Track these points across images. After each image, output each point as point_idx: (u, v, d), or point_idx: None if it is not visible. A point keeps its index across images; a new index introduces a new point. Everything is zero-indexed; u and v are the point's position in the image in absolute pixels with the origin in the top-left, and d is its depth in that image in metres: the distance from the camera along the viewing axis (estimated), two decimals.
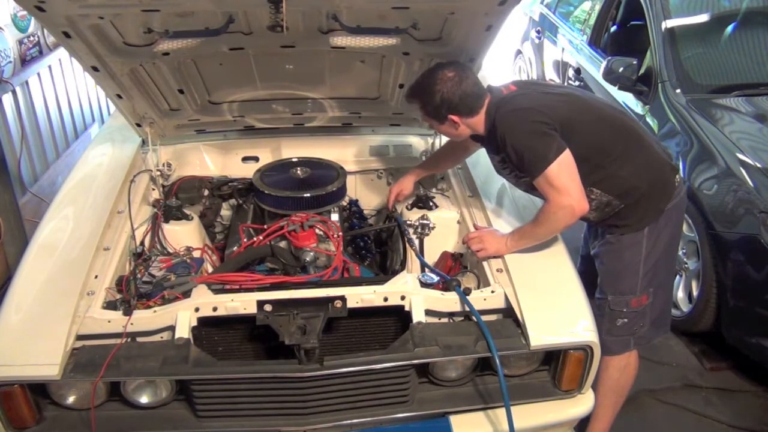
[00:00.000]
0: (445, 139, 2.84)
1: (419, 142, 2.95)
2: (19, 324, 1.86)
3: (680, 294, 3.28)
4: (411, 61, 2.38)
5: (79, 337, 1.84)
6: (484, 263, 2.14)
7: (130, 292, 1.95)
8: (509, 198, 2.47)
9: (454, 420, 1.91)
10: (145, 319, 1.87)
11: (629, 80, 3.78)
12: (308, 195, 2.53)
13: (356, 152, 2.91)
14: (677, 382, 3.00)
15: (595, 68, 4.40)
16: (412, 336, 1.85)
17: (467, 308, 1.93)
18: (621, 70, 3.76)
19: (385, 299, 1.92)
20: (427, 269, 2.23)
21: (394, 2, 1.96)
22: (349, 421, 1.87)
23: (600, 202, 2.16)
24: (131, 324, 1.84)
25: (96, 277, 2.03)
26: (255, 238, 2.34)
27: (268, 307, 1.86)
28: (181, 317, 1.85)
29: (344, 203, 2.75)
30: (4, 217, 3.37)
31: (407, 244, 2.40)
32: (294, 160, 2.79)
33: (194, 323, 1.87)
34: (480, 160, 2.70)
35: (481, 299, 1.97)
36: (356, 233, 2.62)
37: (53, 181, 4.22)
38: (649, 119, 3.64)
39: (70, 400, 1.83)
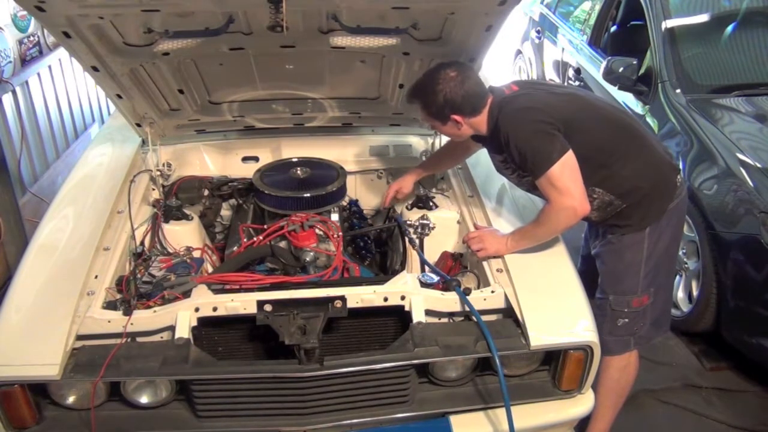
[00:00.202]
0: (445, 140, 2.84)
1: (419, 142, 2.95)
2: (19, 324, 1.86)
3: (680, 294, 3.28)
4: (411, 61, 2.38)
5: (79, 337, 1.84)
6: (484, 263, 2.14)
7: (130, 292, 1.95)
8: (509, 198, 2.47)
9: (454, 420, 1.91)
10: (145, 319, 1.87)
11: (629, 80, 3.78)
12: (308, 195, 2.53)
13: (356, 152, 2.91)
14: (677, 382, 3.00)
15: (595, 68, 4.40)
16: (412, 336, 1.85)
17: (467, 308, 1.93)
18: (621, 70, 3.77)
19: (385, 299, 1.92)
20: (427, 269, 2.23)
21: (394, 2, 1.96)
22: (349, 421, 1.87)
23: (602, 202, 2.16)
24: (131, 324, 1.84)
25: (96, 277, 2.03)
26: (255, 238, 2.34)
27: (268, 307, 1.86)
28: (181, 317, 1.85)
29: (344, 203, 2.75)
30: (4, 217, 3.37)
31: (408, 243, 2.40)
32: (294, 160, 2.79)
33: (194, 323, 1.87)
34: (480, 160, 2.70)
35: (481, 299, 1.97)
36: (356, 233, 2.61)
37: (53, 181, 4.22)
38: (649, 119, 3.64)
39: (70, 400, 1.83)
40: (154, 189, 2.65)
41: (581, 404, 2.01)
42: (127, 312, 1.87)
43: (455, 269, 2.32)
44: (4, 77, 3.85)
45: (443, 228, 2.48)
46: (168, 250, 2.35)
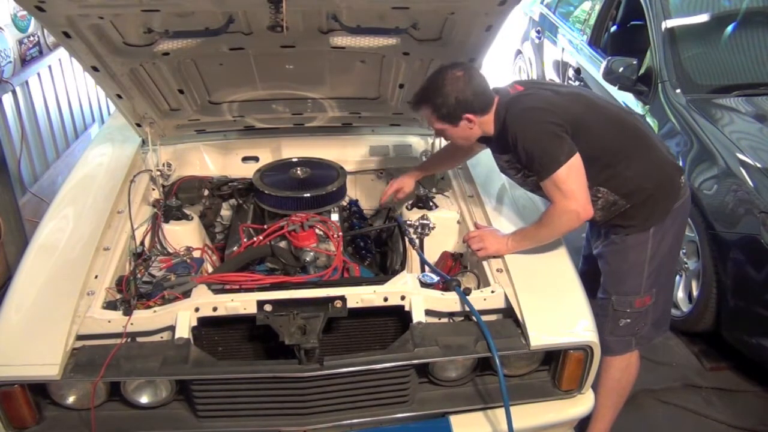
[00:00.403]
0: (445, 140, 2.84)
1: (419, 142, 2.95)
2: (19, 324, 1.86)
3: (680, 294, 3.28)
4: (411, 61, 2.38)
5: (79, 337, 1.84)
6: (484, 263, 2.14)
7: (130, 292, 1.95)
8: (509, 198, 2.47)
9: (454, 420, 1.91)
10: (145, 319, 1.87)
11: (629, 80, 3.78)
12: (308, 195, 2.53)
13: (356, 152, 2.91)
14: (677, 382, 3.00)
15: (595, 68, 4.40)
16: (412, 336, 1.85)
17: (467, 308, 1.93)
18: (621, 70, 3.77)
19: (385, 299, 1.92)
20: (427, 269, 2.23)
21: (394, 2, 1.96)
22: (349, 421, 1.87)
23: (606, 201, 2.16)
24: (131, 324, 1.84)
25: (96, 277, 2.03)
26: (255, 238, 2.34)
27: (268, 307, 1.86)
28: (181, 317, 1.85)
29: (344, 203, 2.75)
30: (4, 217, 3.37)
31: (408, 243, 2.40)
32: (294, 160, 2.79)
33: (194, 323, 1.87)
34: (480, 160, 2.70)
35: (481, 299, 1.97)
36: (356, 233, 2.61)
37: (53, 181, 4.22)
38: (649, 119, 3.64)
39: (70, 400, 1.83)
40: (154, 189, 2.64)
41: (581, 404, 2.01)
42: (127, 312, 1.87)
43: (455, 269, 2.32)
44: (4, 77, 3.85)
45: (443, 228, 2.48)
46: (168, 250, 2.35)
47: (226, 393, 1.82)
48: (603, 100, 2.33)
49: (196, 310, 1.87)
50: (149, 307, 1.92)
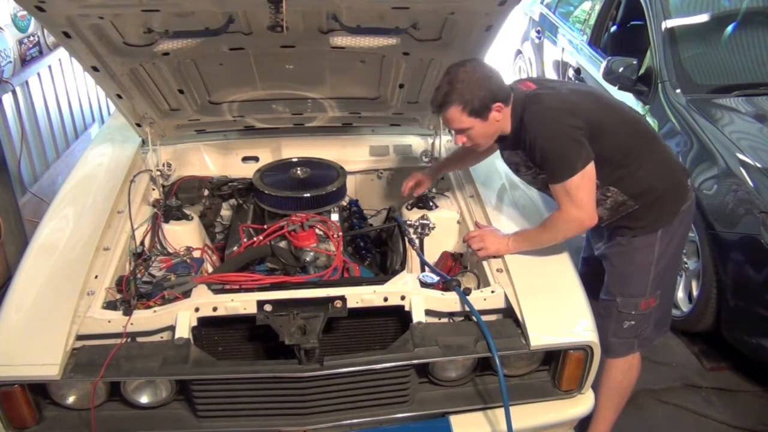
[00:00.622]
0: (444, 140, 2.84)
1: (419, 142, 2.95)
2: (19, 324, 1.86)
3: (680, 294, 3.28)
4: (411, 61, 2.38)
5: (79, 337, 1.84)
6: (484, 263, 2.14)
7: (130, 292, 1.95)
8: (509, 198, 2.47)
9: (454, 420, 1.91)
10: (145, 319, 1.87)
11: (629, 80, 3.78)
12: (308, 195, 2.53)
13: (356, 152, 2.91)
14: (677, 382, 3.00)
15: (595, 68, 4.40)
16: (412, 336, 1.85)
17: (467, 308, 1.93)
18: (621, 70, 3.77)
19: (385, 299, 1.92)
20: (427, 269, 2.23)
21: (394, 2, 1.96)
22: (349, 421, 1.87)
23: (615, 202, 2.14)
24: (131, 324, 1.84)
25: (96, 277, 2.03)
26: (255, 238, 2.34)
27: (268, 307, 1.86)
28: (181, 317, 1.85)
29: (344, 203, 2.75)
30: (4, 217, 3.37)
31: (408, 244, 2.40)
32: (294, 160, 2.79)
33: (194, 323, 1.87)
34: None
35: (481, 299, 1.97)
36: (356, 233, 2.61)
37: (53, 181, 4.22)
38: (649, 119, 3.64)
39: (70, 400, 1.83)
40: (154, 189, 2.65)
41: (581, 404, 2.01)
42: (127, 312, 1.87)
43: (455, 269, 2.32)
44: (4, 77, 3.85)
45: (443, 228, 2.48)
46: (168, 250, 2.35)
47: (226, 393, 1.82)
48: (617, 100, 2.31)
49: (196, 310, 1.87)
50: (149, 307, 1.92)
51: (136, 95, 2.42)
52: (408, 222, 2.47)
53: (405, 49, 2.30)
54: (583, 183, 1.97)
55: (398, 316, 1.97)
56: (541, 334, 1.88)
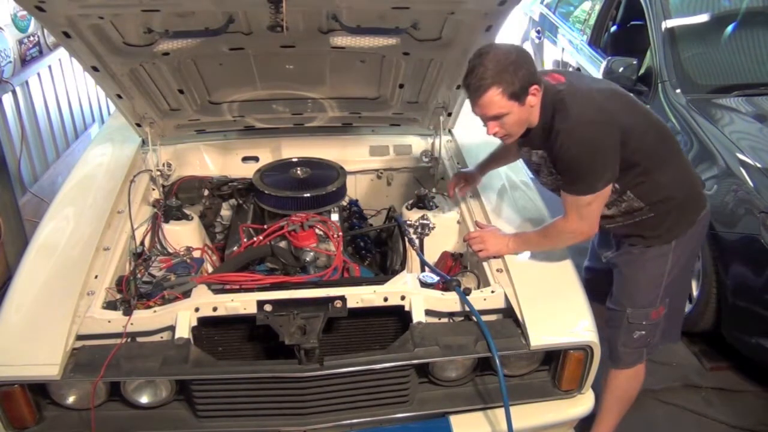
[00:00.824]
0: (444, 140, 2.84)
1: (419, 142, 2.95)
2: (19, 324, 1.86)
3: None
4: (411, 61, 2.38)
5: (79, 337, 1.84)
6: (484, 263, 2.14)
7: (130, 292, 1.95)
8: (509, 198, 2.47)
9: (454, 420, 1.91)
10: (145, 319, 1.87)
11: (629, 80, 3.77)
12: (308, 195, 2.53)
13: (356, 152, 2.91)
14: (677, 382, 3.00)
15: (595, 68, 4.40)
16: (412, 336, 1.85)
17: (467, 308, 1.93)
18: (621, 70, 3.76)
19: (385, 299, 1.92)
20: (427, 269, 2.23)
21: (394, 2, 1.96)
22: (349, 421, 1.87)
23: (630, 207, 2.09)
24: (131, 324, 1.84)
25: (96, 277, 2.03)
26: (255, 238, 2.34)
27: (268, 307, 1.86)
28: (181, 317, 1.85)
29: (344, 203, 2.75)
30: (4, 217, 3.37)
31: (408, 244, 2.39)
32: (294, 160, 2.79)
33: (194, 323, 1.87)
34: (480, 160, 2.70)
35: (481, 299, 1.97)
36: (356, 233, 2.61)
37: (53, 181, 4.22)
38: None
39: (70, 400, 1.83)
40: (154, 189, 2.65)
41: (581, 404, 2.01)
42: (127, 312, 1.87)
43: (455, 269, 2.32)
44: (4, 77, 3.85)
45: (443, 228, 2.48)
46: (168, 250, 2.35)
47: (226, 393, 1.82)
48: (637, 100, 2.21)
49: (196, 310, 1.87)
50: (149, 307, 1.92)
51: (136, 95, 2.42)
52: (408, 222, 2.47)
53: (405, 49, 2.30)
54: (596, 201, 1.96)
55: (398, 316, 1.97)
56: (541, 334, 1.88)
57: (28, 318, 1.88)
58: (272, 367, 1.81)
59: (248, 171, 2.75)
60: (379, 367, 1.82)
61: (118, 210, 2.36)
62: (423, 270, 2.28)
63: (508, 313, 1.97)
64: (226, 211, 2.84)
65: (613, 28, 4.72)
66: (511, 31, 6.36)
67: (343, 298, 1.88)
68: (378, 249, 2.74)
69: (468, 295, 1.95)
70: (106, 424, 1.82)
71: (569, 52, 5.03)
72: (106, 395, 1.84)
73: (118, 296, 1.99)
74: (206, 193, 2.75)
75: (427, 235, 2.45)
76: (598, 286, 2.37)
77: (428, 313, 1.94)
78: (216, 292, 1.94)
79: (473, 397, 1.95)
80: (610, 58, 3.87)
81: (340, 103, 2.75)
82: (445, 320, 2.00)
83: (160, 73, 2.36)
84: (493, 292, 2.00)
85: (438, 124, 2.75)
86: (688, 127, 3.33)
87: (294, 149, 2.85)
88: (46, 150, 4.36)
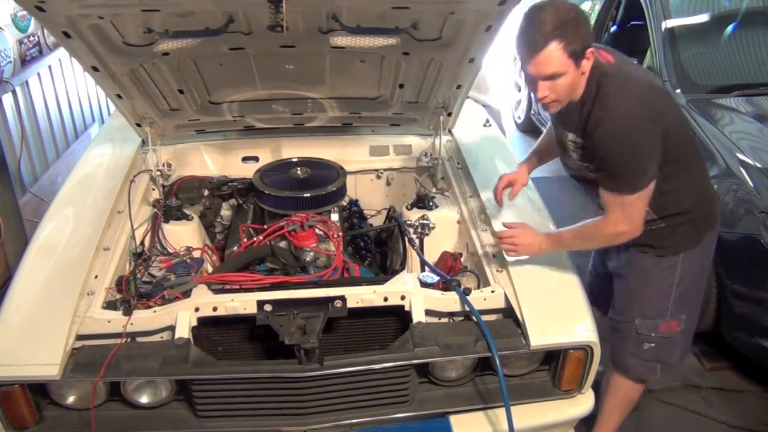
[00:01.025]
0: (444, 140, 2.84)
1: (419, 142, 2.95)
2: (19, 324, 1.86)
3: None
4: (411, 61, 2.38)
5: (79, 337, 1.84)
6: (484, 263, 2.14)
7: (130, 292, 1.95)
8: (509, 198, 2.47)
9: (454, 420, 1.91)
10: (145, 319, 1.87)
11: None
12: (308, 195, 2.53)
13: (356, 152, 2.91)
14: (677, 382, 3.00)
15: None
16: (412, 336, 1.85)
17: (467, 308, 1.93)
18: None
19: (385, 299, 1.92)
20: (427, 269, 2.23)
21: (394, 2, 1.96)
22: (349, 421, 1.87)
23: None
24: (131, 324, 1.84)
25: (96, 277, 2.03)
26: (255, 238, 2.34)
27: (268, 307, 1.86)
28: (181, 317, 1.85)
29: (344, 203, 2.75)
30: (4, 217, 3.37)
31: (408, 244, 2.39)
32: (294, 160, 2.79)
33: (194, 323, 1.87)
34: (479, 160, 2.70)
35: (481, 299, 1.97)
36: (356, 233, 2.61)
37: (53, 181, 4.21)
38: None
39: (70, 400, 1.83)
40: (154, 189, 2.65)
41: (581, 404, 2.01)
42: (127, 312, 1.87)
43: (455, 269, 2.32)
44: (4, 77, 3.85)
45: (443, 228, 2.48)
46: (168, 250, 2.35)
47: (226, 393, 1.82)
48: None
49: (196, 310, 1.87)
50: (149, 307, 1.92)
51: (136, 95, 2.42)
52: (408, 222, 2.47)
53: (405, 49, 2.30)
54: (641, 199, 1.87)
55: (398, 316, 1.97)
56: (541, 334, 1.88)
57: (28, 318, 1.88)
58: (272, 367, 1.81)
59: (248, 171, 2.75)
60: (379, 367, 1.82)
61: (118, 210, 2.36)
62: (423, 270, 2.28)
63: (508, 313, 1.97)
64: (226, 211, 2.84)
65: (613, 28, 4.72)
66: (511, 31, 6.34)
67: (343, 298, 1.88)
68: (378, 249, 2.74)
69: (468, 295, 1.95)
70: (106, 424, 1.82)
71: None
72: (106, 395, 1.84)
73: (118, 296, 1.99)
74: (206, 193, 2.74)
75: (427, 235, 2.45)
76: (601, 292, 2.35)
77: (428, 313, 1.94)
78: (216, 292, 1.94)
79: (473, 397, 1.95)
80: None
81: (340, 103, 2.75)
82: (445, 320, 2.00)
83: (160, 73, 2.36)
84: (493, 292, 2.00)
85: (438, 124, 2.75)
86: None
87: (294, 149, 2.85)
88: (46, 150, 4.36)
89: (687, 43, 3.82)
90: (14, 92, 3.94)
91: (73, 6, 1.85)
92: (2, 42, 3.91)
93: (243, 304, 1.87)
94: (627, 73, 1.91)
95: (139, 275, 2.08)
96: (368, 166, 2.93)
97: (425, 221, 2.44)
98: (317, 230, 2.31)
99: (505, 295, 1.98)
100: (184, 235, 2.44)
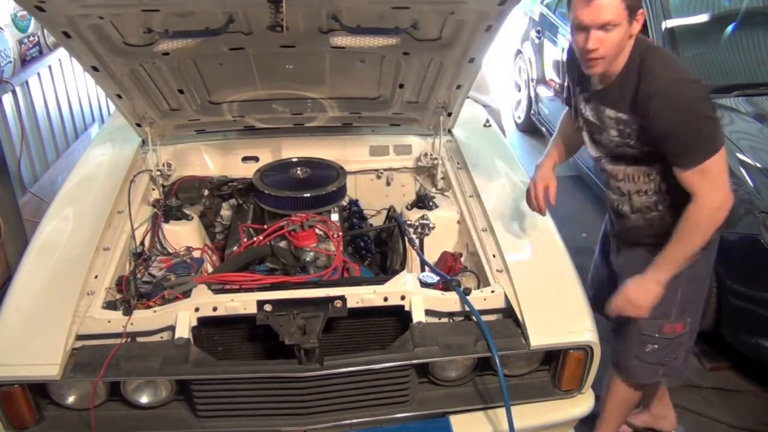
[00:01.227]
0: (444, 140, 2.84)
1: (419, 142, 2.95)
2: (19, 324, 1.86)
3: None
4: (411, 61, 2.38)
5: (79, 337, 1.84)
6: (484, 263, 2.14)
7: (130, 292, 1.95)
8: (509, 198, 2.47)
9: (454, 420, 1.91)
10: (145, 319, 1.87)
11: None
12: (308, 195, 2.53)
13: (356, 152, 2.91)
14: (677, 382, 3.00)
15: None
16: (412, 336, 1.85)
17: (467, 308, 1.93)
18: None
19: (385, 299, 1.93)
20: (427, 269, 2.23)
21: (394, 2, 1.96)
22: (349, 421, 1.87)
23: (649, 203, 1.99)
24: (131, 324, 1.84)
25: (96, 277, 2.03)
26: (255, 238, 2.34)
27: (268, 307, 1.86)
28: (181, 317, 1.85)
29: (344, 203, 2.75)
30: (4, 217, 3.37)
31: (408, 244, 2.39)
32: (294, 160, 2.79)
33: (194, 323, 1.87)
34: (480, 160, 2.70)
35: (481, 299, 1.97)
36: (356, 233, 2.61)
37: (53, 181, 4.21)
38: None
39: (70, 400, 1.83)
40: (154, 189, 2.65)
41: (581, 404, 2.01)
42: (127, 312, 1.87)
43: (455, 269, 2.32)
44: (4, 77, 3.85)
45: (443, 228, 2.48)
46: (168, 250, 2.35)
47: (226, 393, 1.82)
48: None
49: (196, 310, 1.87)
50: (149, 307, 1.92)
51: (136, 95, 2.42)
52: (408, 222, 2.47)
53: (405, 49, 2.30)
54: (722, 160, 1.78)
55: (398, 316, 1.97)
56: (541, 334, 1.88)
57: (28, 318, 1.88)
58: (272, 367, 1.81)
59: (248, 171, 2.75)
60: (379, 367, 1.82)
61: (118, 210, 2.37)
62: (423, 270, 2.28)
63: (508, 313, 1.97)
64: (226, 211, 2.84)
65: None
66: (511, 31, 6.36)
67: (343, 298, 1.88)
68: (378, 249, 2.74)
69: (468, 295, 1.95)
70: (106, 424, 1.82)
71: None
72: (106, 395, 1.84)
73: (118, 296, 1.99)
74: (206, 193, 2.74)
75: (427, 235, 2.45)
76: (603, 295, 2.33)
77: (428, 313, 1.94)
78: (216, 292, 1.94)
79: (473, 397, 1.95)
80: None
81: (340, 103, 2.75)
82: (445, 320, 2.00)
83: (160, 73, 2.36)
84: (493, 292, 2.00)
85: (438, 124, 2.75)
86: None
87: (294, 149, 2.85)
88: (46, 150, 4.36)
89: (687, 43, 3.82)
90: (14, 92, 3.94)
91: (73, 6, 1.85)
92: (2, 42, 3.91)
93: (243, 304, 1.87)
94: (668, 51, 1.86)
95: (139, 275, 2.08)
96: (368, 166, 2.93)
97: (425, 221, 2.44)
98: (317, 230, 2.32)
99: (505, 295, 1.98)
100: (184, 235, 2.44)
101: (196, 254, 2.36)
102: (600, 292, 2.36)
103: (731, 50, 3.86)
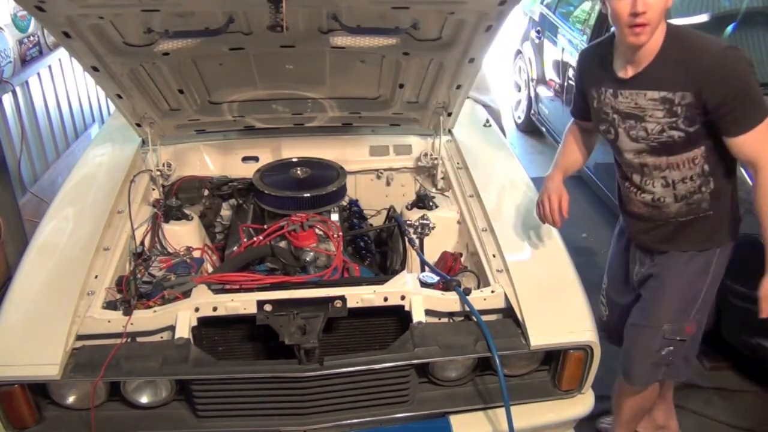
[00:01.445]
0: (444, 140, 2.84)
1: (419, 142, 2.95)
2: (19, 324, 1.86)
3: None
4: (411, 61, 2.38)
5: (79, 337, 1.84)
6: (484, 263, 2.14)
7: (130, 292, 1.95)
8: (509, 198, 2.47)
9: (454, 420, 1.91)
10: (145, 319, 1.87)
11: None
12: (308, 195, 2.53)
13: (356, 152, 2.91)
14: (677, 382, 3.00)
15: None
16: (412, 336, 1.85)
17: (467, 308, 1.93)
18: None
19: (385, 299, 1.93)
20: (427, 269, 2.23)
21: (394, 2, 1.96)
22: (349, 421, 1.87)
23: (694, 188, 2.01)
24: (131, 324, 1.84)
25: (96, 277, 2.03)
26: (255, 238, 2.34)
27: (268, 307, 1.86)
28: (181, 317, 1.86)
29: (344, 203, 2.75)
30: (4, 217, 3.37)
31: (408, 244, 2.39)
32: (294, 160, 2.79)
33: (194, 323, 1.87)
34: (480, 160, 2.70)
35: (481, 299, 1.97)
36: (356, 233, 2.62)
37: (53, 181, 4.22)
38: None
39: (70, 400, 1.83)
40: (154, 189, 2.65)
41: (581, 404, 2.01)
42: (127, 312, 1.87)
43: (455, 269, 2.32)
44: (4, 77, 3.85)
45: (443, 228, 2.48)
46: (168, 250, 2.35)
47: (226, 393, 1.82)
48: None
49: (196, 310, 1.87)
50: (149, 307, 1.92)
51: (136, 95, 2.42)
52: (408, 222, 2.47)
53: (405, 49, 2.30)
54: None
55: (398, 316, 1.97)
56: (541, 334, 1.88)
57: (28, 318, 1.88)
58: (272, 367, 1.81)
59: (248, 171, 2.75)
60: (379, 367, 1.82)
61: (118, 210, 2.37)
62: (423, 270, 2.28)
63: (508, 313, 1.97)
64: (226, 211, 2.84)
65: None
66: (511, 31, 6.36)
67: (343, 298, 1.88)
68: (378, 249, 2.75)
69: (468, 295, 1.95)
70: (106, 424, 1.82)
71: (569, 52, 5.03)
72: (106, 395, 1.84)
73: (118, 296, 1.99)
74: (206, 193, 2.75)
75: (427, 235, 2.45)
76: (616, 327, 2.31)
77: (428, 313, 1.94)
78: (216, 292, 1.94)
79: (473, 397, 1.96)
80: None
81: (340, 103, 2.75)
82: (445, 320, 2.00)
83: (160, 73, 2.36)
84: (493, 292, 2.00)
85: (438, 124, 2.75)
86: None
87: (294, 149, 2.85)
88: (46, 150, 4.36)
89: None
90: (14, 92, 3.94)
91: (73, 6, 1.85)
92: (2, 42, 3.91)
93: (243, 304, 1.87)
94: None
95: (139, 275, 2.08)
96: (368, 166, 2.93)
97: (425, 221, 2.44)
98: (317, 230, 2.32)
99: (505, 295, 1.98)
100: (184, 235, 2.44)
101: (196, 254, 2.36)
102: (613, 327, 2.33)
103: None
